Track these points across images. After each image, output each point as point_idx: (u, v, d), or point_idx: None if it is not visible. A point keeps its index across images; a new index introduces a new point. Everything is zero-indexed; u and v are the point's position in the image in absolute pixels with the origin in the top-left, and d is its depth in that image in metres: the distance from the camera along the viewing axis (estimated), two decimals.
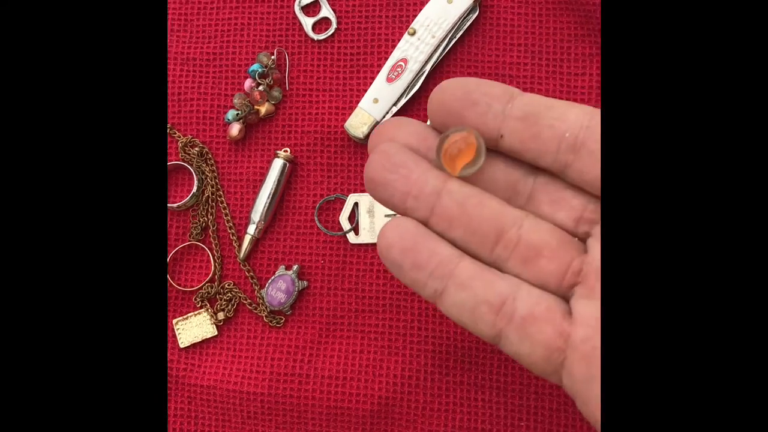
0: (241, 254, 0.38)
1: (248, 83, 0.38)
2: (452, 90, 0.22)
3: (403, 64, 0.37)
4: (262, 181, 0.38)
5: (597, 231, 0.22)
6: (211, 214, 0.39)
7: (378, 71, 0.38)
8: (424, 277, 0.22)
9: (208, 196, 0.39)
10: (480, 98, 0.22)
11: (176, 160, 0.39)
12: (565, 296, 0.22)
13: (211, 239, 0.39)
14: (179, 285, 0.38)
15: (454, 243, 0.23)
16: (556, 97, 0.37)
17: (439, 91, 0.23)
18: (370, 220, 0.37)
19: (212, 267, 0.38)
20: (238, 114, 0.38)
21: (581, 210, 0.23)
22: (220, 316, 0.38)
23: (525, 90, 0.37)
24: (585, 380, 0.21)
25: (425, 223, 0.23)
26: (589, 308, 0.21)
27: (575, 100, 0.36)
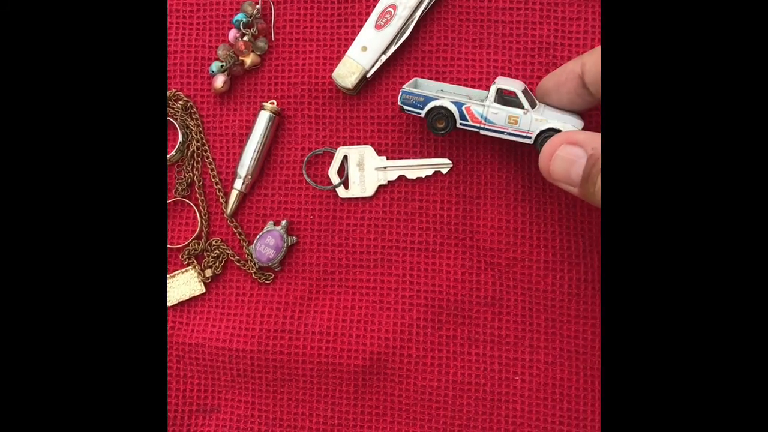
0: (228, 210, 0.37)
1: (232, 34, 0.37)
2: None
3: (392, 10, 0.36)
4: (248, 134, 0.37)
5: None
6: (197, 170, 0.38)
7: (366, 19, 0.36)
8: None
9: (194, 150, 0.37)
10: None
11: None
12: None
13: (197, 195, 0.37)
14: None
15: None
16: (549, 43, 0.35)
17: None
18: (360, 173, 0.36)
19: (199, 223, 0.37)
20: (222, 65, 0.37)
21: None
22: (208, 273, 0.37)
23: (518, 35, 0.36)
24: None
25: None
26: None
27: (569, 46, 0.35)
